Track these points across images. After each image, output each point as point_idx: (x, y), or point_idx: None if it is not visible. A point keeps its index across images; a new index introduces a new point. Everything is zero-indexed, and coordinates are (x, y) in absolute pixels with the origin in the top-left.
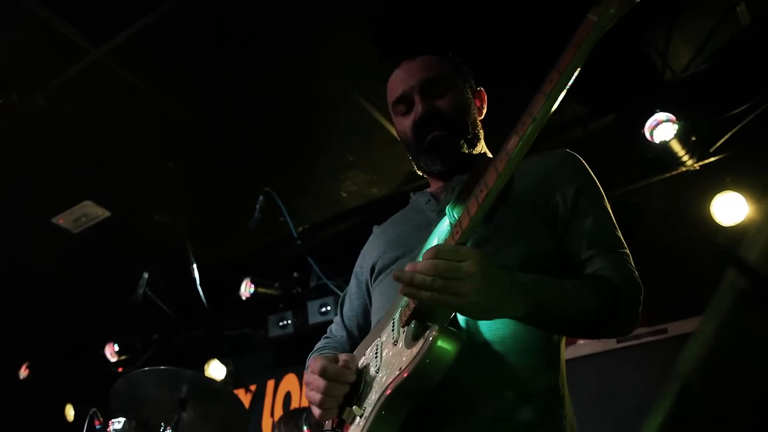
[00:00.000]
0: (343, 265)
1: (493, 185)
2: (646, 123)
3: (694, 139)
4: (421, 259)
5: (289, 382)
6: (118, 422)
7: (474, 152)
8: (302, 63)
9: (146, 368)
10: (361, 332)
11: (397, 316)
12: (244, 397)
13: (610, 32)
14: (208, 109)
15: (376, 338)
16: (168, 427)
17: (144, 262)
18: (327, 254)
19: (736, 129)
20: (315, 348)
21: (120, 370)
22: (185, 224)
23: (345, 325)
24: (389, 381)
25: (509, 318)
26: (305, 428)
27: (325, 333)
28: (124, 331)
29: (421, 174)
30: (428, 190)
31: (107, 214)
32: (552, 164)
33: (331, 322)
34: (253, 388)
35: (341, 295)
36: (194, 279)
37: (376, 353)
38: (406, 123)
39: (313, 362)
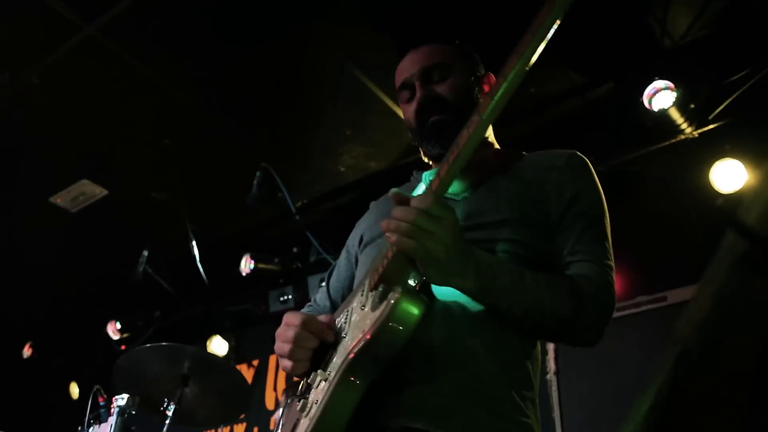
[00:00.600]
0: (343, 239)
1: (464, 146)
2: (644, 91)
3: (692, 106)
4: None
5: None
6: (121, 398)
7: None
8: (297, 36)
9: (148, 345)
10: None
11: (367, 281)
12: (247, 372)
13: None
14: (204, 85)
15: (349, 304)
16: (171, 403)
17: (143, 240)
18: (326, 229)
19: (734, 96)
20: None
21: (123, 347)
22: (184, 201)
23: (330, 296)
24: (353, 344)
25: (456, 288)
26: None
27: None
28: (126, 309)
29: (427, 161)
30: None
31: (105, 192)
32: (559, 163)
33: None
34: (255, 363)
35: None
36: (194, 256)
37: (346, 318)
38: (409, 110)
39: (290, 316)
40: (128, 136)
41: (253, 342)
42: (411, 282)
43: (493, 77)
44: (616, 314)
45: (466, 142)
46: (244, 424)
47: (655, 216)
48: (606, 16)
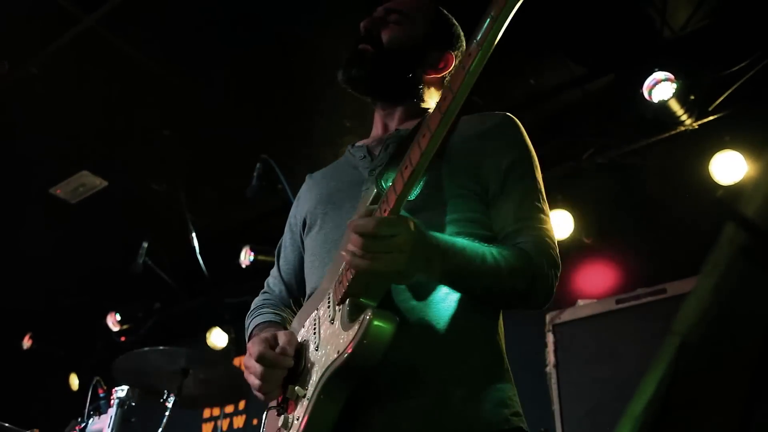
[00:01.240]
0: None
1: (418, 163)
2: (644, 82)
3: (692, 98)
4: (354, 218)
5: None
6: (121, 390)
7: (414, 103)
8: (297, 28)
9: (146, 348)
10: (299, 284)
11: (331, 291)
12: None
13: None
14: (203, 76)
15: (314, 310)
16: (171, 395)
17: (143, 232)
18: None
19: (734, 87)
20: (253, 307)
21: (122, 339)
22: (183, 193)
23: (283, 279)
24: (329, 363)
25: (422, 279)
26: None
27: (263, 288)
28: (126, 301)
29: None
30: (364, 142)
31: (105, 183)
32: (489, 130)
33: None
34: None
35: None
36: (194, 248)
37: (315, 329)
38: None
39: (251, 347)
40: (128, 128)
41: None
42: (377, 293)
43: (453, 59)
44: (615, 307)
45: (420, 157)
46: (244, 416)
47: (654, 208)
48: (606, 7)
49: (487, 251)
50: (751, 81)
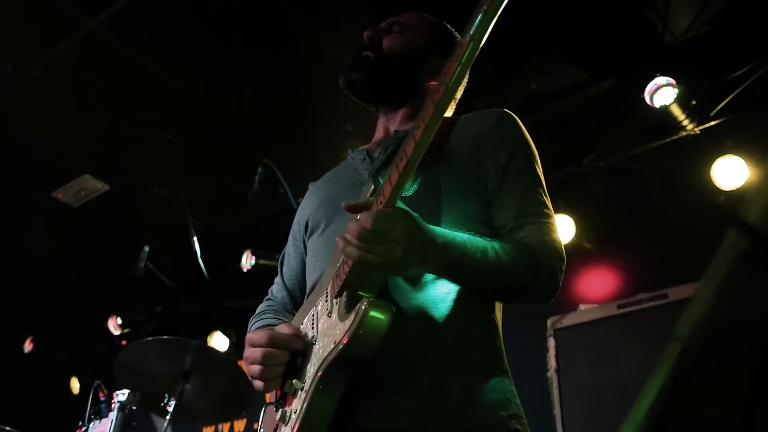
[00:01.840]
0: None
1: (413, 153)
2: (646, 87)
3: (694, 103)
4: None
5: None
6: (122, 394)
7: (415, 107)
8: (299, 32)
9: (149, 338)
10: (302, 291)
11: (329, 286)
12: None
13: None
14: (205, 79)
15: (312, 307)
16: (172, 398)
17: (144, 235)
18: None
19: (736, 92)
20: (256, 312)
21: (123, 342)
22: (185, 197)
23: (286, 286)
24: (326, 354)
25: (421, 270)
26: None
27: (266, 294)
28: (127, 305)
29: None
30: (365, 146)
31: (107, 187)
32: (488, 126)
33: None
34: None
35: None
36: (195, 251)
37: (313, 323)
38: None
39: (254, 336)
40: (130, 131)
41: None
42: (373, 285)
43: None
44: (616, 312)
45: (414, 148)
46: (245, 420)
47: (656, 213)
48: (607, 12)
49: (489, 245)
50: (753, 86)
